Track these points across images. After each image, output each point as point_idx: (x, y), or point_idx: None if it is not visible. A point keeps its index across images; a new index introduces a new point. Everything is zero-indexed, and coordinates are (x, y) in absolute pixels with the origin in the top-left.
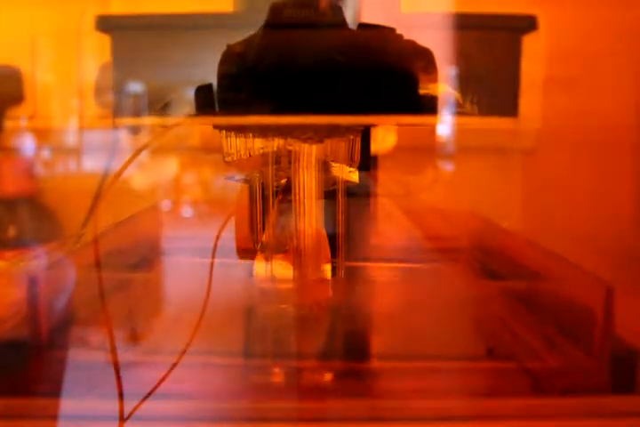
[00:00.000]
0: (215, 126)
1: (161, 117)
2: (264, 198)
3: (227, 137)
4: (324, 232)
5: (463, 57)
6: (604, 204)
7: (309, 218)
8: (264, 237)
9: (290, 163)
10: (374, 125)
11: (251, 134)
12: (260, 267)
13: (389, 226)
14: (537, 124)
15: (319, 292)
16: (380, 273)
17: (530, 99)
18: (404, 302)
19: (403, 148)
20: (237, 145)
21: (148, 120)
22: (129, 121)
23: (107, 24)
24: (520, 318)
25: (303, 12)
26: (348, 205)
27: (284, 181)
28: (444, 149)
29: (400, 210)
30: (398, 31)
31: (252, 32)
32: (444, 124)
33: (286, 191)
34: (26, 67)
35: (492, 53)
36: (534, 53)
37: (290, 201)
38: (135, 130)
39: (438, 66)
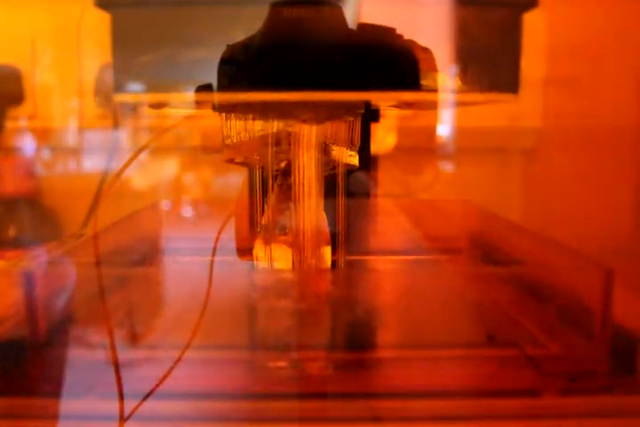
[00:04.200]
0: (215, 108)
1: (161, 95)
2: (264, 181)
3: (227, 119)
4: (323, 215)
5: (464, 33)
6: (604, 204)
7: (309, 200)
8: (264, 220)
9: (290, 145)
10: (375, 113)
11: (250, 116)
12: (259, 250)
13: (389, 223)
14: (537, 123)
15: (319, 284)
16: (381, 265)
17: (530, 98)
18: (405, 293)
19: (403, 148)
20: (237, 127)
21: (147, 97)
22: (128, 97)
23: (107, 0)
24: (521, 305)
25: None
26: (349, 205)
27: (283, 163)
28: (443, 150)
29: (399, 208)
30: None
31: (258, 6)
32: (444, 102)
33: (286, 174)
34: (26, 67)
35: (492, 30)
36: (535, 52)
37: (289, 184)
38: (134, 108)
39: (439, 42)
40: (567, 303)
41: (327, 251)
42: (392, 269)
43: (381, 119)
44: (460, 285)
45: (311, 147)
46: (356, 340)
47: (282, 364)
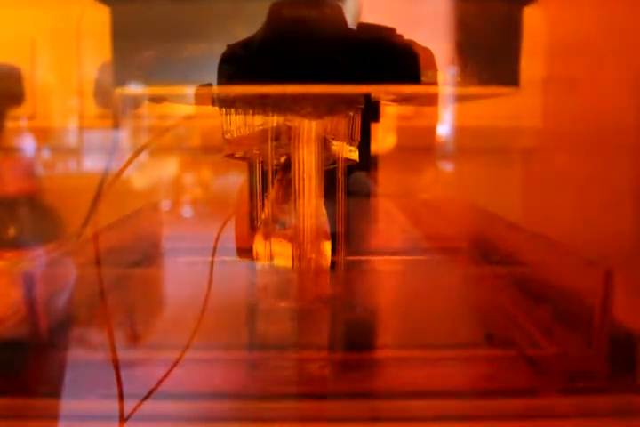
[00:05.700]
0: (215, 103)
1: (161, 88)
2: (263, 176)
3: (226, 114)
4: (323, 210)
5: (463, 25)
6: (604, 204)
7: (309, 195)
8: (264, 215)
9: (290, 139)
10: (376, 111)
11: (250, 111)
12: (259, 245)
13: (389, 223)
14: (537, 123)
15: (319, 286)
16: (380, 265)
17: (530, 98)
18: (403, 293)
19: (403, 148)
20: (237, 122)
21: (147, 91)
22: (129, 91)
23: None
24: (519, 305)
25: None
26: (349, 205)
27: (283, 158)
28: (444, 149)
29: (399, 208)
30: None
31: (259, 1)
32: (444, 96)
33: (286, 169)
34: (26, 67)
35: (493, 22)
36: (535, 52)
37: (289, 178)
38: (134, 103)
39: (439, 35)
40: (566, 303)
41: (327, 246)
42: (392, 269)
43: (381, 119)
44: (460, 285)
45: (311, 141)
46: (355, 340)
47: (282, 364)
